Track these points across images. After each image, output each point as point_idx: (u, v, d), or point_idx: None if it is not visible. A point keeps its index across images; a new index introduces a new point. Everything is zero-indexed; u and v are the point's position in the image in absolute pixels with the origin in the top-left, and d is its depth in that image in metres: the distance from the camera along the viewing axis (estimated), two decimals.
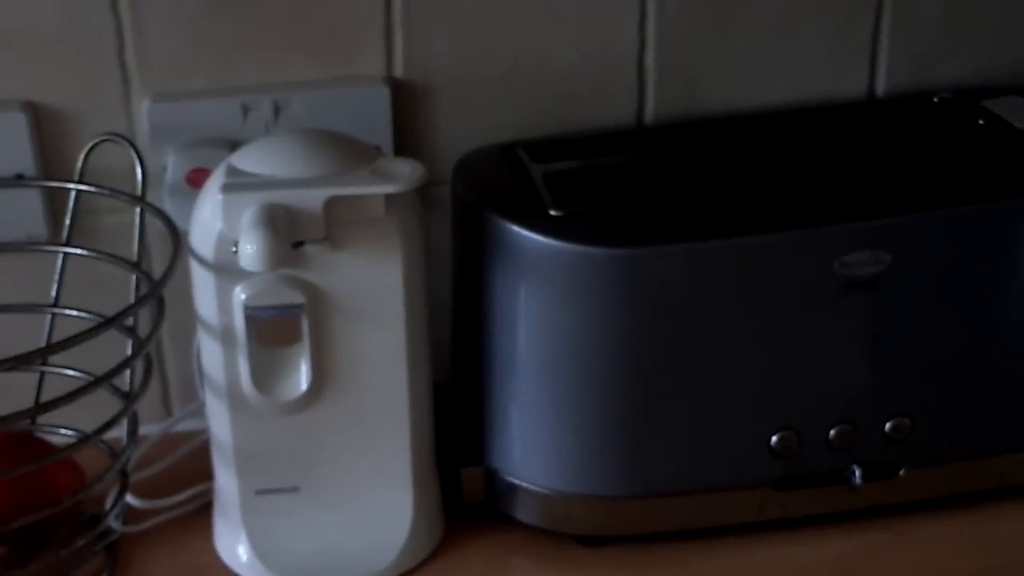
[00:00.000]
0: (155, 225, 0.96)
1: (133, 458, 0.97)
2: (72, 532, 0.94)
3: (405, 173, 0.86)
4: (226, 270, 0.87)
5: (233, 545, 0.95)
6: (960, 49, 1.08)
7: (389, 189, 0.85)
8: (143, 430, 0.96)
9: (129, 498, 0.96)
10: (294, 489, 0.94)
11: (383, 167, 0.87)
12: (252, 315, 0.88)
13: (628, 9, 1.03)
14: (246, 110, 0.99)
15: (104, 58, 0.98)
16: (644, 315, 0.90)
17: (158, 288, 0.89)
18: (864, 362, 0.93)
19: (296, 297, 0.88)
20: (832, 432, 0.94)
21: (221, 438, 0.94)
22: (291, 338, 0.89)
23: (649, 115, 1.06)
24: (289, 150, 0.88)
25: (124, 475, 0.95)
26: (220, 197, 0.84)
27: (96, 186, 0.96)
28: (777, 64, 1.07)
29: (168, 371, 1.09)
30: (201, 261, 0.88)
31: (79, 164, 0.96)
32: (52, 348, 0.89)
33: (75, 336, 0.84)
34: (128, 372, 0.93)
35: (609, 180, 0.97)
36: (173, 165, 0.99)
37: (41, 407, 0.88)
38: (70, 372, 0.95)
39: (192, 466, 0.99)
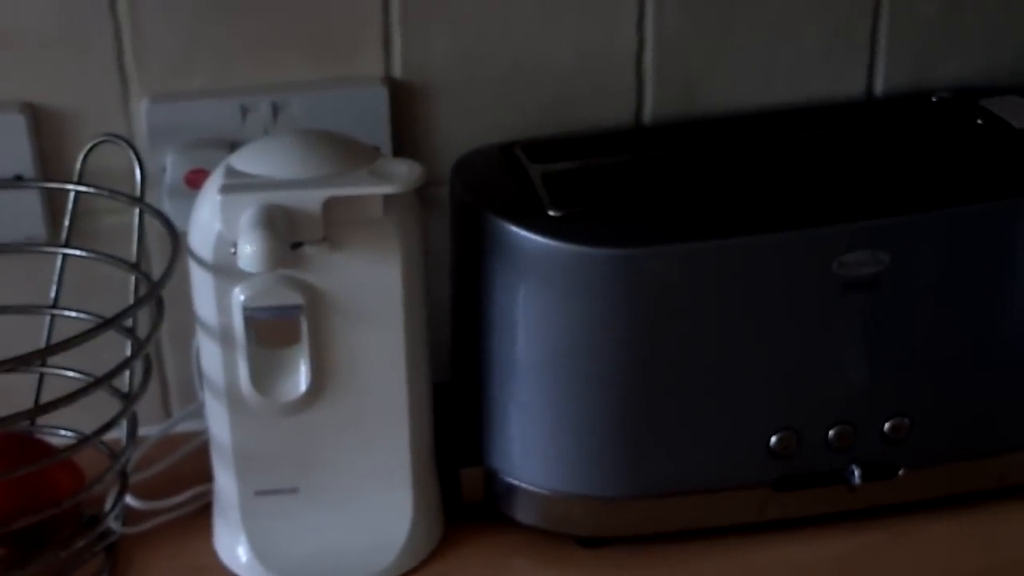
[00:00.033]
0: (154, 226, 0.96)
1: (133, 459, 0.97)
2: (72, 533, 0.94)
3: (403, 174, 0.86)
4: (225, 271, 0.87)
5: (233, 546, 0.95)
6: (958, 49, 1.08)
7: (388, 190, 0.85)
8: (142, 431, 0.96)
9: (129, 499, 0.96)
10: (293, 490, 0.94)
11: (382, 168, 0.87)
12: (251, 316, 0.88)
13: (626, 9, 1.03)
14: (245, 111, 0.99)
15: (103, 59, 0.98)
16: (643, 315, 0.90)
17: (157, 289, 0.89)
18: (863, 362, 0.93)
19: (295, 298, 0.88)
20: (831, 432, 0.94)
21: (220, 439, 0.94)
22: (290, 339, 0.89)
23: (648, 115, 1.06)
24: (288, 151, 0.88)
25: (124, 476, 0.95)
26: (219, 198, 0.84)
27: (95, 187, 0.96)
28: (776, 64, 1.07)
29: (167, 372, 1.09)
30: (200, 262, 0.88)
31: (78, 165, 0.96)
32: (51, 349, 0.89)
33: (74, 337, 0.84)
34: (127, 373, 0.93)
35: (608, 180, 0.97)
36: (172, 166, 0.99)
37: (41, 408, 0.88)
38: (69, 373, 0.95)
39: (192, 467, 0.99)
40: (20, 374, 0.94)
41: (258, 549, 0.94)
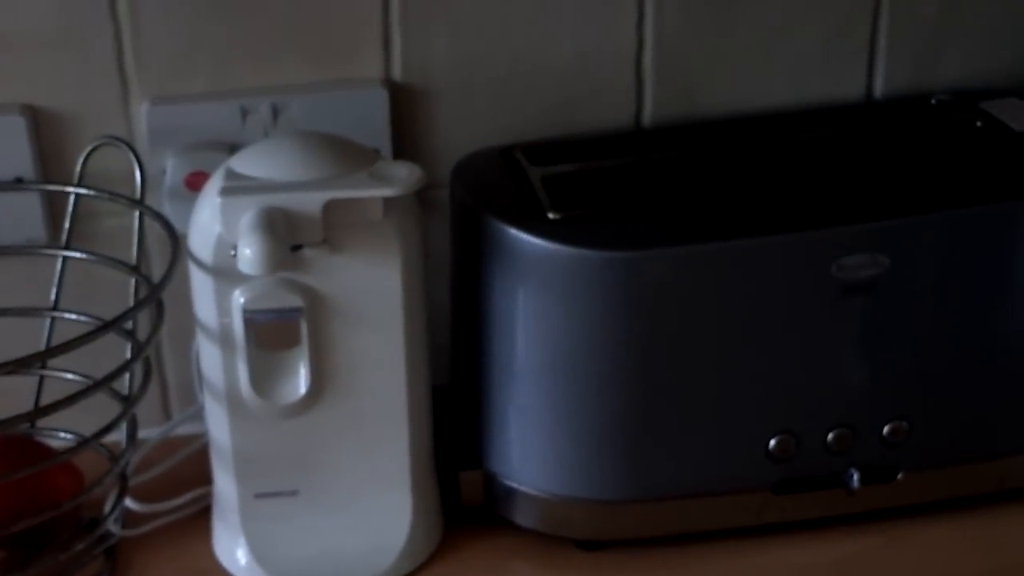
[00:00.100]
0: (154, 228, 0.96)
1: (132, 462, 0.97)
2: (71, 536, 0.94)
3: (403, 176, 0.86)
4: (225, 273, 0.87)
5: (232, 549, 0.95)
6: (958, 51, 1.08)
7: (387, 192, 0.85)
8: (142, 433, 0.96)
9: (128, 502, 0.96)
10: (293, 493, 0.94)
11: (381, 170, 0.87)
12: (251, 318, 0.88)
13: (626, 11, 1.03)
14: (245, 113, 0.99)
15: (103, 61, 0.98)
16: (642, 318, 0.90)
17: (157, 291, 0.89)
18: (862, 365, 0.93)
19: (295, 300, 0.88)
20: (830, 436, 0.94)
21: (220, 442, 0.94)
22: (290, 341, 0.89)
23: (647, 117, 1.06)
24: (288, 153, 0.88)
25: (123, 479, 0.95)
26: (219, 200, 0.85)
27: (95, 189, 0.96)
28: (775, 66, 1.07)
29: (167, 374, 1.09)
30: (200, 264, 0.88)
31: (78, 167, 0.96)
32: (51, 351, 0.89)
33: (74, 339, 0.84)
34: (127, 375, 0.93)
35: (607, 183, 0.97)
36: (172, 168, 0.99)
37: (40, 410, 0.88)
38: (69, 375, 0.95)
39: (191, 470, 0.99)
40: (20, 376, 0.94)
41: (257, 552, 0.94)
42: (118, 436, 0.92)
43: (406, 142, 1.03)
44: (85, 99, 0.99)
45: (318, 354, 0.90)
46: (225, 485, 0.95)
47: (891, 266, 0.90)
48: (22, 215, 1.00)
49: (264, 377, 0.90)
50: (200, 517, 0.99)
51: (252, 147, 0.90)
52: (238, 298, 0.88)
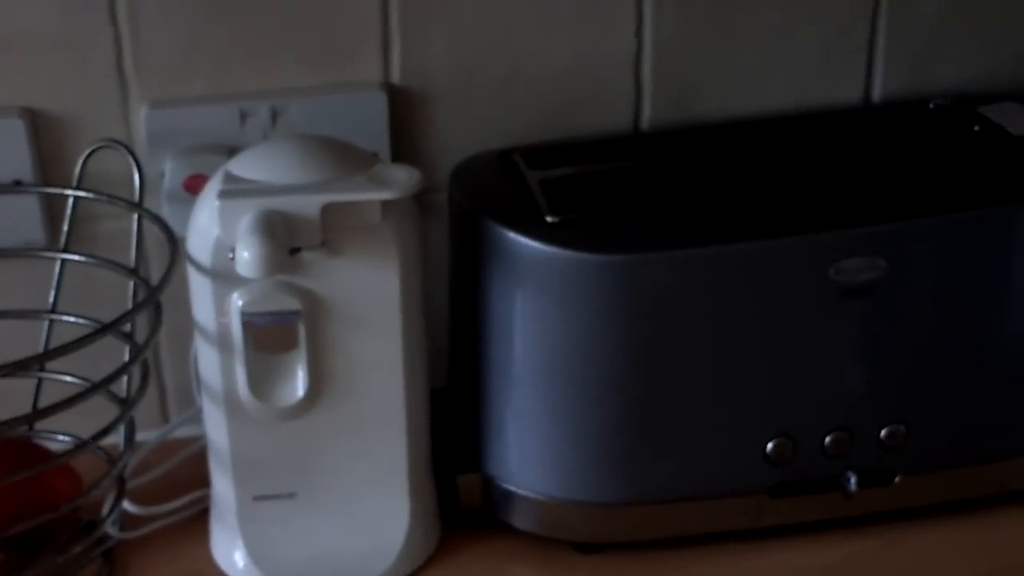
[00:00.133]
0: (153, 231, 0.96)
1: (130, 464, 0.97)
2: (69, 538, 0.94)
3: (402, 179, 0.86)
4: (223, 276, 0.87)
5: (230, 551, 0.95)
6: (956, 55, 1.08)
7: (386, 195, 0.86)
8: (140, 436, 0.96)
9: (126, 504, 0.97)
10: (291, 495, 0.94)
11: (380, 173, 0.87)
12: (249, 321, 0.88)
13: (625, 15, 1.03)
14: (244, 116, 1.00)
15: (102, 64, 0.98)
16: (640, 321, 0.90)
17: (155, 294, 0.89)
18: (860, 369, 0.93)
19: (293, 303, 0.88)
20: (828, 439, 0.94)
21: (218, 444, 0.94)
22: (288, 344, 0.89)
23: (646, 121, 1.06)
24: (286, 156, 0.88)
25: (121, 481, 0.95)
26: (217, 203, 0.85)
27: (94, 192, 0.96)
28: (773, 70, 1.07)
29: (165, 377, 1.09)
30: (198, 267, 0.89)
31: (77, 170, 0.96)
32: (50, 354, 0.89)
33: (73, 342, 0.84)
34: (125, 378, 0.93)
35: (605, 186, 0.97)
36: (171, 171, 0.99)
37: (38, 413, 0.88)
38: (68, 378, 0.95)
39: (189, 472, 0.99)
40: (18, 379, 0.94)
41: (255, 554, 0.94)
42: (116, 439, 0.92)
43: (405, 145, 1.03)
44: (84, 102, 0.99)
45: (316, 357, 0.90)
46: (223, 488, 0.95)
47: (889, 270, 0.90)
48: (21, 218, 1.00)
49: (262, 380, 0.90)
50: (198, 519, 0.99)
51: (251, 150, 0.90)
52: (236, 301, 0.88)
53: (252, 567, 0.94)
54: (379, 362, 0.91)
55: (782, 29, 1.06)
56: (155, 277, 0.95)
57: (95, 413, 0.89)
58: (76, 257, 0.96)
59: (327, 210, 0.85)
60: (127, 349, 0.92)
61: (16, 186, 0.99)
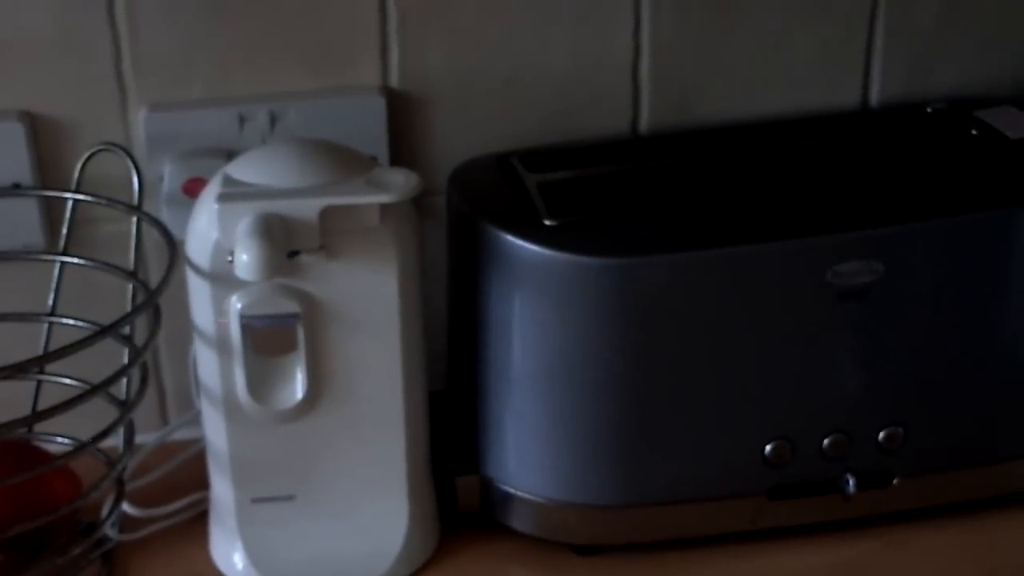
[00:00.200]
0: (152, 234, 0.96)
1: (129, 466, 0.97)
2: (68, 540, 0.94)
3: (400, 183, 0.86)
4: (222, 279, 0.87)
5: (229, 553, 0.96)
6: (953, 59, 1.08)
7: (384, 199, 0.86)
8: (139, 438, 0.96)
9: (125, 506, 0.97)
10: (290, 497, 0.94)
11: (378, 177, 0.87)
12: (248, 324, 0.88)
13: (623, 19, 1.03)
14: (242, 120, 1.00)
15: (101, 68, 0.98)
16: (638, 324, 0.90)
17: (154, 297, 0.89)
18: (857, 371, 0.93)
19: (292, 306, 0.88)
20: (826, 441, 0.94)
21: (217, 447, 0.94)
22: (287, 347, 0.90)
23: (644, 125, 1.06)
24: (285, 160, 0.88)
25: (120, 483, 0.95)
26: (216, 207, 0.85)
27: (93, 195, 0.96)
28: (771, 74, 1.07)
29: (164, 380, 1.09)
30: (197, 270, 0.89)
31: (76, 174, 0.96)
32: (49, 357, 0.89)
33: (72, 345, 0.84)
34: (124, 381, 0.93)
35: (604, 190, 0.97)
36: (170, 175, 0.99)
37: (38, 415, 0.88)
38: (67, 381, 0.95)
39: (188, 474, 0.99)
40: (18, 381, 0.94)
41: (254, 556, 0.95)
42: (115, 441, 0.92)
43: (403, 149, 1.03)
44: (83, 105, 0.99)
45: (315, 360, 0.90)
46: (222, 490, 0.95)
47: (886, 273, 0.90)
48: (20, 221, 1.00)
49: (261, 382, 0.90)
50: (197, 522, 0.99)
51: (249, 153, 0.91)
52: (235, 304, 0.88)
53: (251, 569, 0.94)
54: (378, 365, 0.91)
55: (780, 33, 1.06)
56: (154, 280, 0.95)
57: (94, 415, 0.89)
58: (75, 260, 0.96)
59: (325, 213, 0.85)
60: (126, 352, 0.92)
61: (15, 189, 0.99)
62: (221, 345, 0.89)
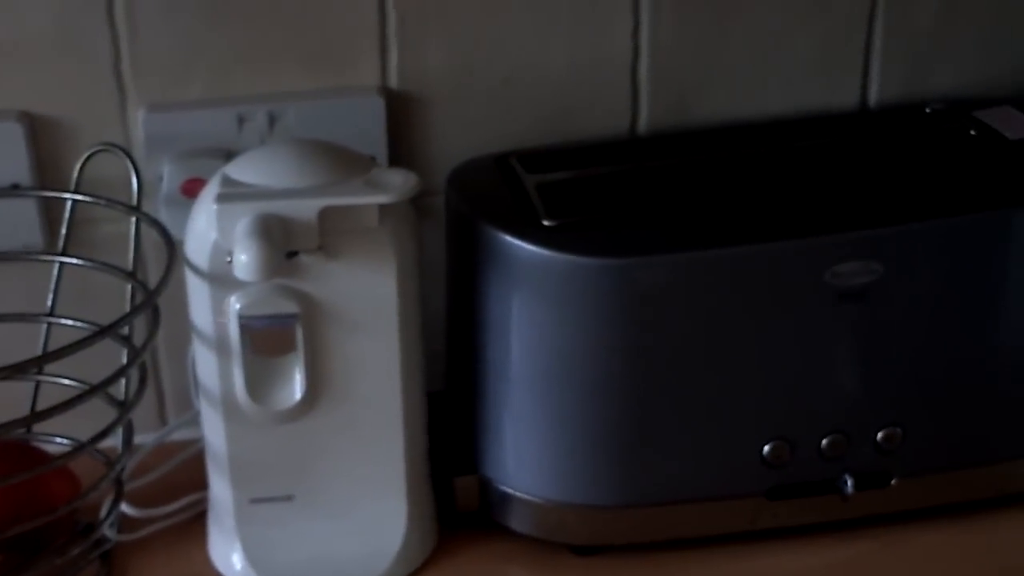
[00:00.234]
0: (150, 235, 0.96)
1: (128, 467, 0.97)
2: (67, 541, 0.94)
3: (399, 183, 0.86)
4: (221, 280, 0.87)
5: (227, 554, 0.96)
6: (952, 60, 1.08)
7: (383, 199, 0.86)
8: (138, 439, 0.96)
9: (124, 507, 0.97)
10: (288, 498, 0.94)
11: (377, 177, 0.87)
12: (247, 324, 0.88)
13: (622, 19, 1.03)
14: (241, 120, 1.00)
15: (100, 68, 0.98)
16: (637, 325, 0.90)
17: (153, 297, 0.89)
18: (856, 372, 0.93)
19: (290, 307, 0.88)
20: (824, 442, 0.94)
21: (216, 447, 0.94)
22: (285, 348, 0.90)
23: (643, 125, 1.07)
24: (284, 160, 0.88)
25: (119, 484, 0.95)
26: (215, 207, 0.85)
27: (92, 196, 0.96)
28: (770, 74, 1.07)
29: (163, 380, 1.09)
30: (196, 271, 0.89)
31: (75, 174, 0.96)
32: (48, 357, 0.89)
33: (70, 345, 0.84)
34: (123, 381, 0.93)
35: (602, 190, 0.97)
36: (168, 175, 0.99)
37: (36, 416, 0.88)
38: (65, 381, 0.95)
39: (187, 475, 0.99)
40: (16, 382, 0.94)
41: (253, 557, 0.95)
42: (114, 441, 0.92)
43: (402, 149, 1.04)
44: (82, 106, 0.99)
45: (313, 360, 0.90)
46: (221, 490, 0.95)
47: (884, 273, 0.90)
48: (19, 221, 1.00)
49: (260, 383, 0.90)
50: (196, 522, 0.99)
51: (248, 154, 0.91)
52: (234, 304, 0.88)
53: (249, 569, 0.94)
54: (376, 365, 0.91)
55: (779, 33, 1.06)
56: (153, 280, 0.95)
57: (93, 416, 0.89)
58: (74, 260, 0.96)
59: (324, 214, 0.85)
60: (125, 352, 0.92)
61: (14, 190, 0.99)
62: (220, 345, 0.90)
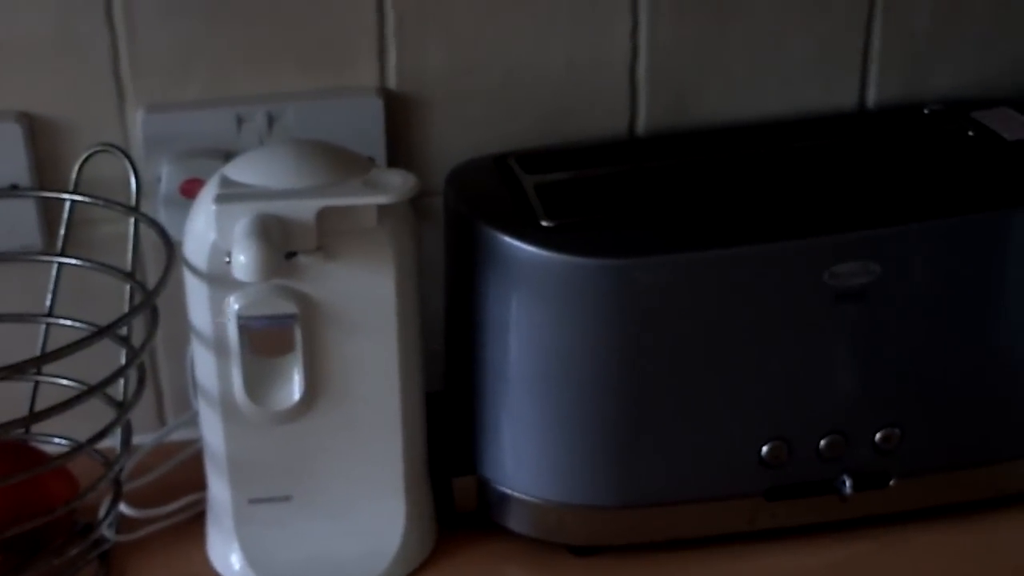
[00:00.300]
0: (149, 235, 0.96)
1: (127, 467, 0.97)
2: (65, 541, 0.94)
3: (397, 184, 0.86)
4: (219, 280, 0.87)
5: (226, 554, 0.96)
6: (950, 61, 1.08)
7: (381, 200, 0.86)
8: (137, 439, 0.96)
9: (122, 507, 0.97)
10: (287, 498, 0.94)
11: (375, 178, 0.87)
12: (245, 325, 0.88)
13: (620, 20, 1.03)
14: (240, 121, 1.00)
15: (99, 69, 0.98)
16: (635, 325, 0.90)
17: (152, 298, 0.89)
18: (854, 372, 0.93)
19: (289, 307, 0.88)
20: (823, 442, 0.95)
21: (214, 447, 0.94)
22: (284, 348, 0.90)
23: (641, 126, 1.07)
24: (282, 161, 0.88)
25: (118, 484, 0.95)
26: (213, 207, 0.85)
27: (91, 196, 0.96)
28: (768, 75, 1.07)
29: (162, 381, 1.09)
30: (195, 271, 0.89)
31: (74, 175, 0.96)
32: (46, 357, 0.89)
33: (69, 345, 0.84)
34: (122, 381, 0.93)
35: (601, 191, 0.97)
36: (167, 176, 0.99)
37: (35, 416, 0.88)
38: (64, 381, 0.95)
39: (185, 475, 0.99)
40: (15, 382, 0.94)
41: (251, 557, 0.95)
42: (112, 442, 0.92)
43: (401, 150, 1.04)
44: (81, 106, 0.99)
45: (312, 360, 0.90)
46: (219, 490, 0.95)
47: (883, 274, 0.90)
48: (17, 222, 1.00)
49: (258, 383, 0.90)
50: (194, 522, 0.99)
51: (247, 155, 0.91)
52: (232, 304, 0.88)
53: (248, 570, 0.94)
54: (375, 365, 0.91)
55: (777, 34, 1.06)
56: (151, 281, 0.95)
57: (91, 416, 0.89)
58: (72, 261, 0.97)
59: (323, 214, 0.85)
60: (123, 353, 0.92)
61: (13, 190, 0.99)
62: (218, 346, 0.90)
